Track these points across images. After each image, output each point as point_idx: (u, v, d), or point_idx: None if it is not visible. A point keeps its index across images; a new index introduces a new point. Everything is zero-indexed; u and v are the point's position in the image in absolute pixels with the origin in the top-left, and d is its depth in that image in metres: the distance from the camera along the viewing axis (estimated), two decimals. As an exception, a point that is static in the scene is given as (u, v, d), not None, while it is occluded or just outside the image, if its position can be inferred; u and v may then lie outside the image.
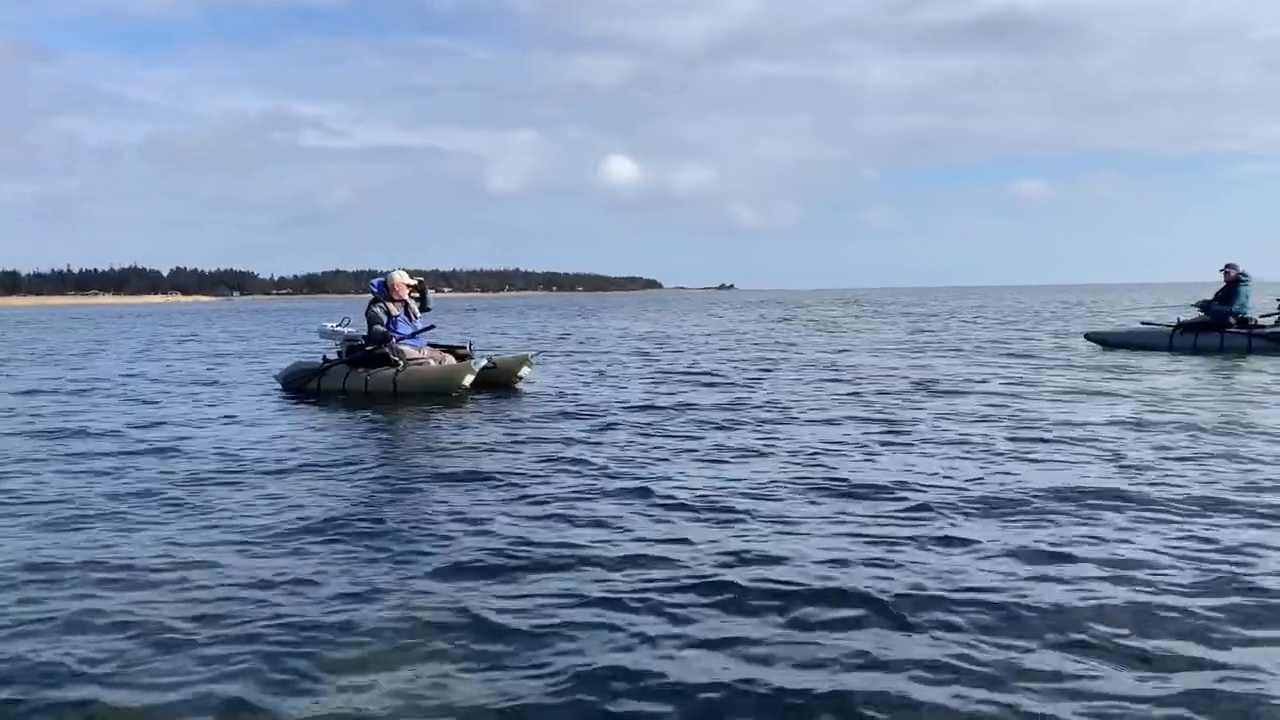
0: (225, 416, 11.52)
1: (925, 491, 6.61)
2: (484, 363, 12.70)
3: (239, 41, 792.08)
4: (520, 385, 13.27)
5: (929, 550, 5.24)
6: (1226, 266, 18.08)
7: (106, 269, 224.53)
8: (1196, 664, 3.76)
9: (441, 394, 12.21)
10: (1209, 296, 18.46)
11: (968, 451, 8.20)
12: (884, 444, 8.65)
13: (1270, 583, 4.61)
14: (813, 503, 6.40)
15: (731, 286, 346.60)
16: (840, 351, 20.80)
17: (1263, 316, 17.99)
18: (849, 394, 12.49)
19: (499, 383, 13.01)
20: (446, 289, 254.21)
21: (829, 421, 10.05)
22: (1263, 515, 5.85)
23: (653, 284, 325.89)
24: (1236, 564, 4.90)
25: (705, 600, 4.50)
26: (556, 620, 4.30)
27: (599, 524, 5.94)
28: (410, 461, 8.31)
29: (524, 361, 13.60)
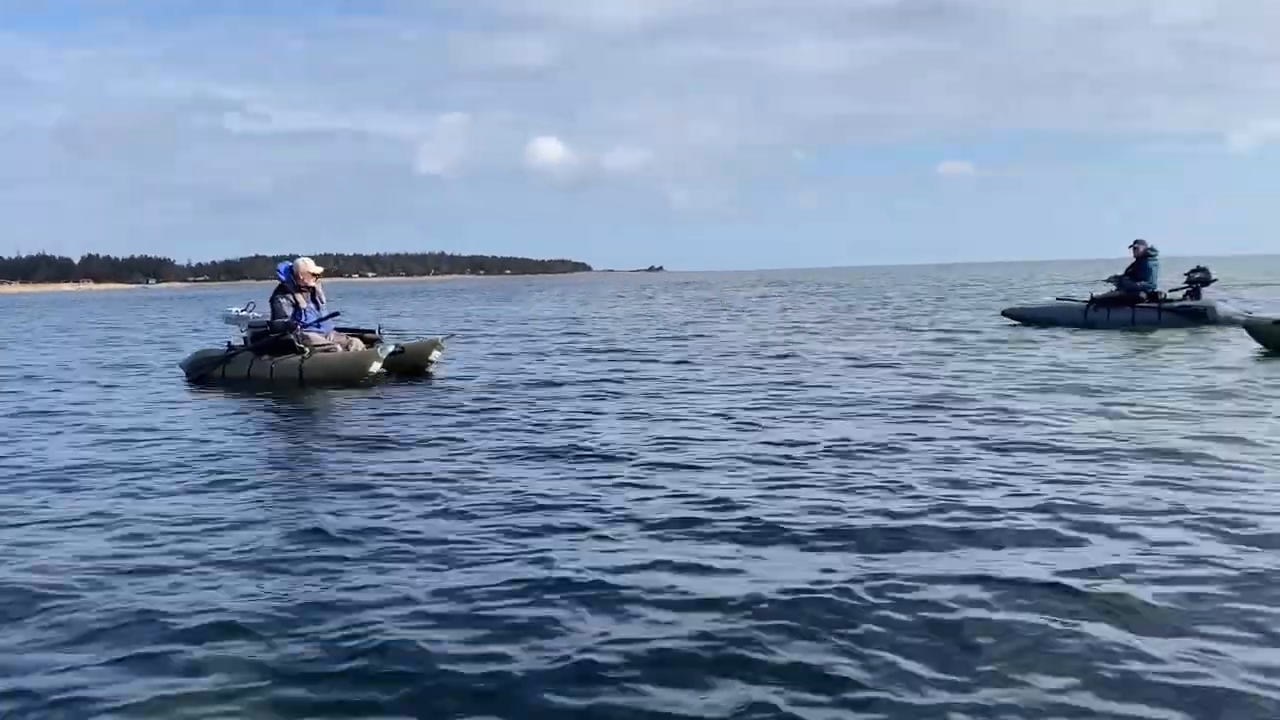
0: (124, 404, 11.23)
1: (817, 456, 6.58)
2: (391, 348, 12.47)
3: (154, 22, 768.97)
4: (431, 369, 13.07)
5: (806, 488, 5.14)
6: (1135, 242, 18.39)
7: (13, 256, 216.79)
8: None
9: (349, 381, 11.95)
10: (1121, 272, 18.84)
11: (873, 415, 8.36)
12: (775, 414, 8.78)
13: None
14: (723, 461, 6.40)
15: (661, 269, 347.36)
16: (755, 331, 20.84)
17: (1171, 290, 18.40)
18: (760, 369, 12.45)
19: (410, 367, 12.81)
20: (370, 274, 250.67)
21: (736, 391, 10.01)
22: (1149, 460, 6.06)
23: (582, 267, 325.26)
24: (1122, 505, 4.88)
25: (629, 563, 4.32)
26: (469, 607, 4.13)
27: (500, 506, 5.76)
28: (312, 449, 8.01)
29: (434, 346, 13.38)
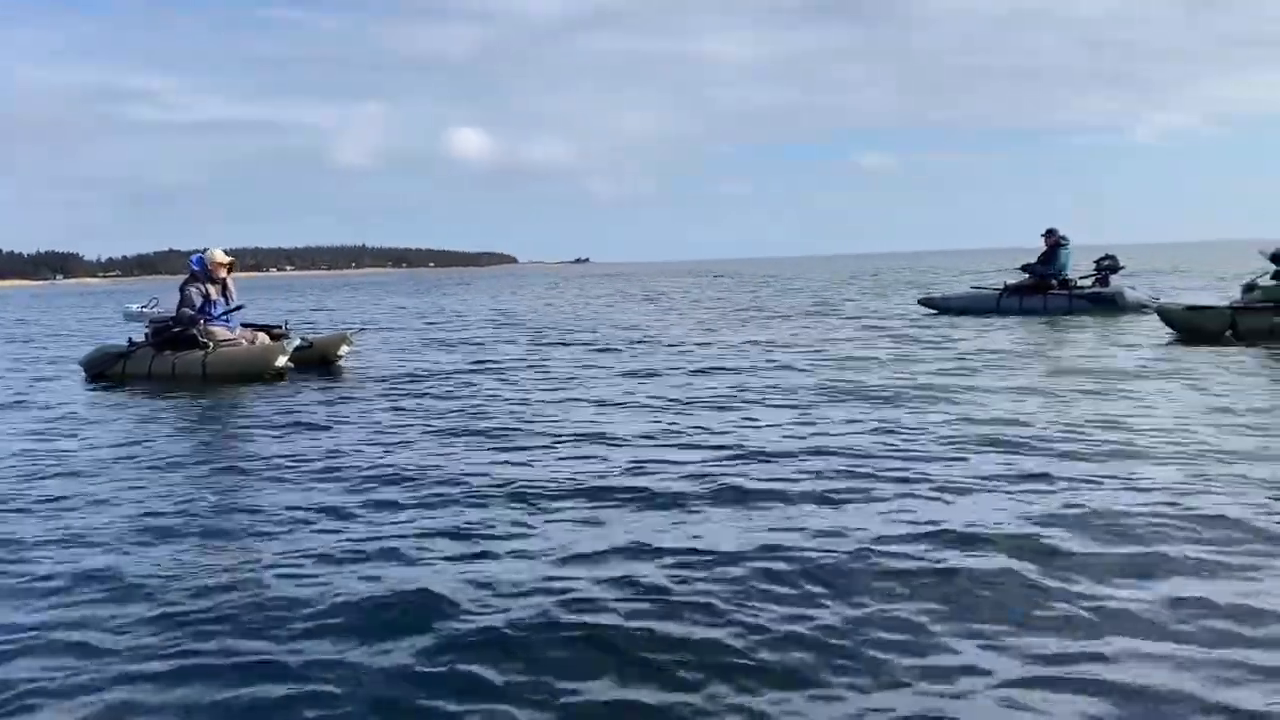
0: (16, 403, 10.89)
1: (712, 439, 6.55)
2: (298, 342, 12.20)
3: (60, 6, 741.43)
4: (340, 363, 12.85)
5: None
6: (1048, 231, 18.71)
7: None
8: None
9: (254, 376, 11.64)
10: (1034, 260, 19.14)
11: (781, 405, 8.36)
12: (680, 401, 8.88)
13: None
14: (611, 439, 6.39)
15: (587, 260, 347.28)
16: (673, 317, 20.85)
17: (1081, 278, 18.83)
18: (678, 353, 12.40)
19: (318, 361, 12.58)
20: (289, 267, 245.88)
21: (646, 377, 9.94)
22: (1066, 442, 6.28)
23: (507, 259, 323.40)
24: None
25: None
26: (378, 597, 4.02)
27: (403, 500, 5.59)
28: (212, 447, 7.73)
29: (343, 340, 13.15)
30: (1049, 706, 3.05)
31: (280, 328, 12.70)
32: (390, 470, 6.48)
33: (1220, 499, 5.13)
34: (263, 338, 12.33)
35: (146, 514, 5.59)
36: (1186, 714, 2.99)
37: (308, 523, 5.30)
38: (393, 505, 5.62)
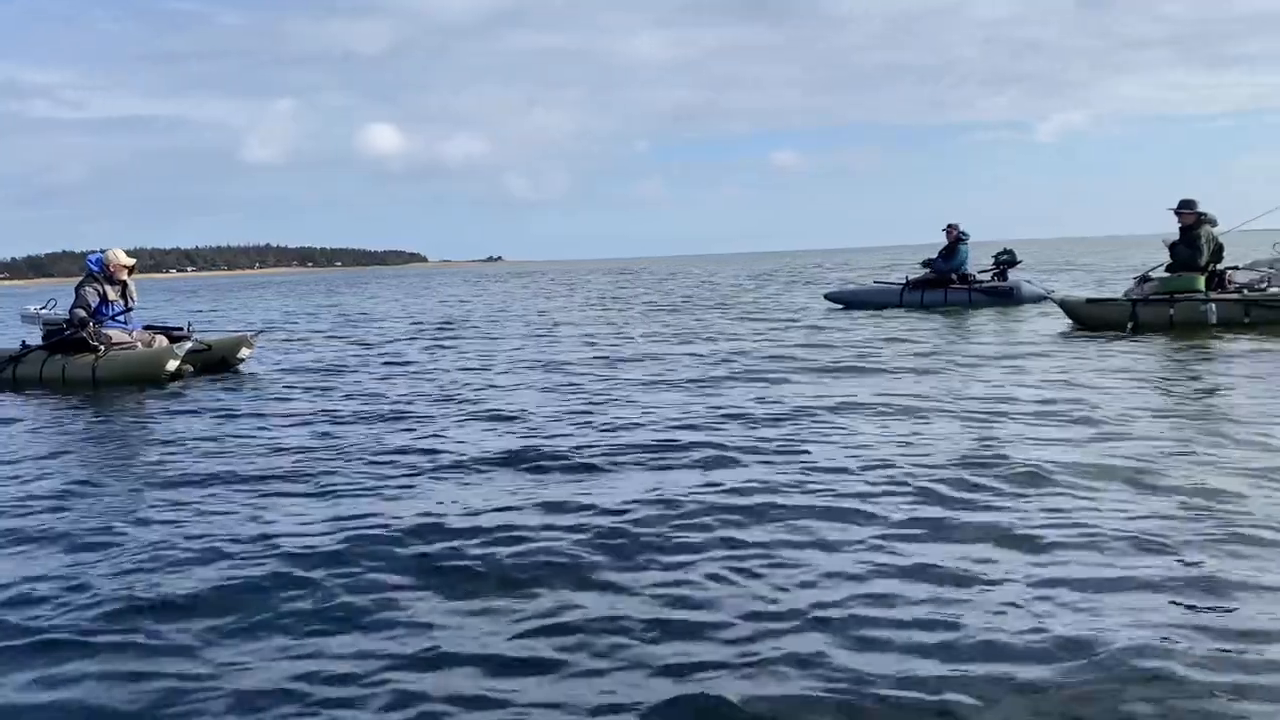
0: None
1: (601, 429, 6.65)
2: (189, 345, 11.79)
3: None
4: (241, 367, 12.52)
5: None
6: (949, 226, 19.12)
7: None
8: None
9: (145, 380, 11.26)
10: (935, 255, 19.58)
11: (676, 394, 8.57)
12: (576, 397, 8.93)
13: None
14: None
15: (500, 258, 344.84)
16: (577, 312, 20.86)
17: (980, 272, 19.36)
18: (585, 344, 12.42)
19: (218, 365, 12.24)
20: (190, 268, 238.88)
21: (546, 369, 9.98)
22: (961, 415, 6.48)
23: (417, 258, 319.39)
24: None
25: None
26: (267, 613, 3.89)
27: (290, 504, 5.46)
28: (98, 455, 7.42)
29: (243, 342, 12.76)
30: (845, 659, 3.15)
31: (181, 330, 12.30)
32: (266, 471, 6.44)
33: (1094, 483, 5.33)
34: (161, 340, 11.94)
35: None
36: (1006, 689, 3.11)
37: (177, 523, 5.22)
38: (255, 499, 5.64)
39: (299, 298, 45.62)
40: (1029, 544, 4.32)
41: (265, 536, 4.94)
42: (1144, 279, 13.41)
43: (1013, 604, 3.66)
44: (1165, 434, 6.49)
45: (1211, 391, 8.30)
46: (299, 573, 4.33)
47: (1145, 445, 6.12)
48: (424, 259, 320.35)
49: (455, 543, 4.68)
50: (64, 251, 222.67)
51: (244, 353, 12.61)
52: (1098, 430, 6.65)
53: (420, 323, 21.86)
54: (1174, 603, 3.64)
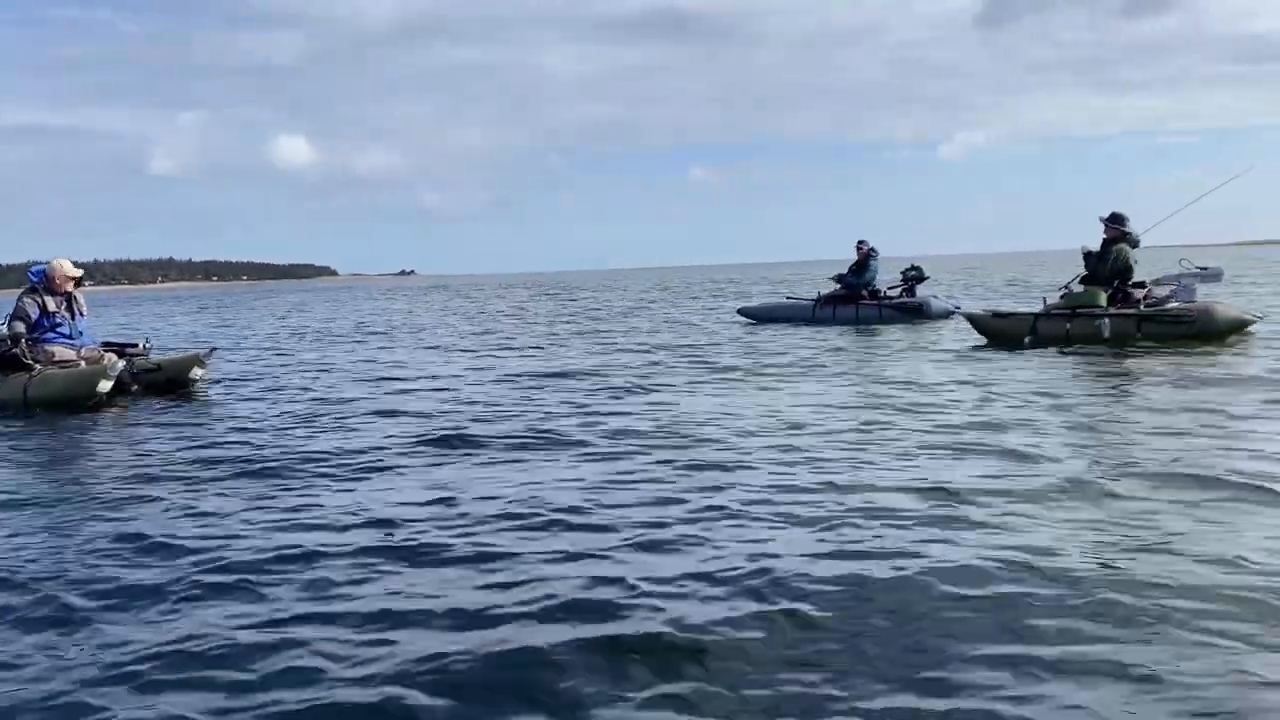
0: None
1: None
2: (121, 364, 11.05)
3: None
4: (195, 387, 11.80)
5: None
6: (859, 242, 19.60)
7: None
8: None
9: (78, 401, 10.56)
10: (845, 271, 20.03)
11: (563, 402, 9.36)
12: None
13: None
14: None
15: (413, 272, 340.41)
16: (482, 324, 21.04)
17: (890, 288, 19.99)
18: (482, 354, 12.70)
19: (166, 386, 11.55)
20: (89, 282, 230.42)
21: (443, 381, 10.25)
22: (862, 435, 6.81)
23: (327, 271, 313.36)
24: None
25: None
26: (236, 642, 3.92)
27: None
28: (27, 484, 7.30)
29: (195, 361, 11.99)
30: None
31: (137, 346, 11.70)
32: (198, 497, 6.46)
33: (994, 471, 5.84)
34: (111, 358, 11.18)
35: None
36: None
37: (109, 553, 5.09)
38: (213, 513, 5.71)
39: (188, 315, 44.52)
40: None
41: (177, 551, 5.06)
42: (1067, 290, 13.76)
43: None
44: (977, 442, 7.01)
45: (1051, 397, 8.95)
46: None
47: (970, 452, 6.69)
48: (334, 272, 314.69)
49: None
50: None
51: (196, 372, 11.83)
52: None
53: (309, 333, 21.74)
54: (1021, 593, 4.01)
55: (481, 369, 13.61)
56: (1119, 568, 4.24)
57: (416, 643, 3.74)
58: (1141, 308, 13.15)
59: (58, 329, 11.15)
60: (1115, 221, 13.45)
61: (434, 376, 12.90)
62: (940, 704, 3.12)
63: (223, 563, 4.80)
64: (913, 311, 19.20)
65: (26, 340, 10.93)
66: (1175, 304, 13.12)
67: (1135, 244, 13.44)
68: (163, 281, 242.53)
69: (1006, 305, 17.19)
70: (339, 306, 47.23)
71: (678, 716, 3.13)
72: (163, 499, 6.25)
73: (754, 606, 3.95)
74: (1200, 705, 3.05)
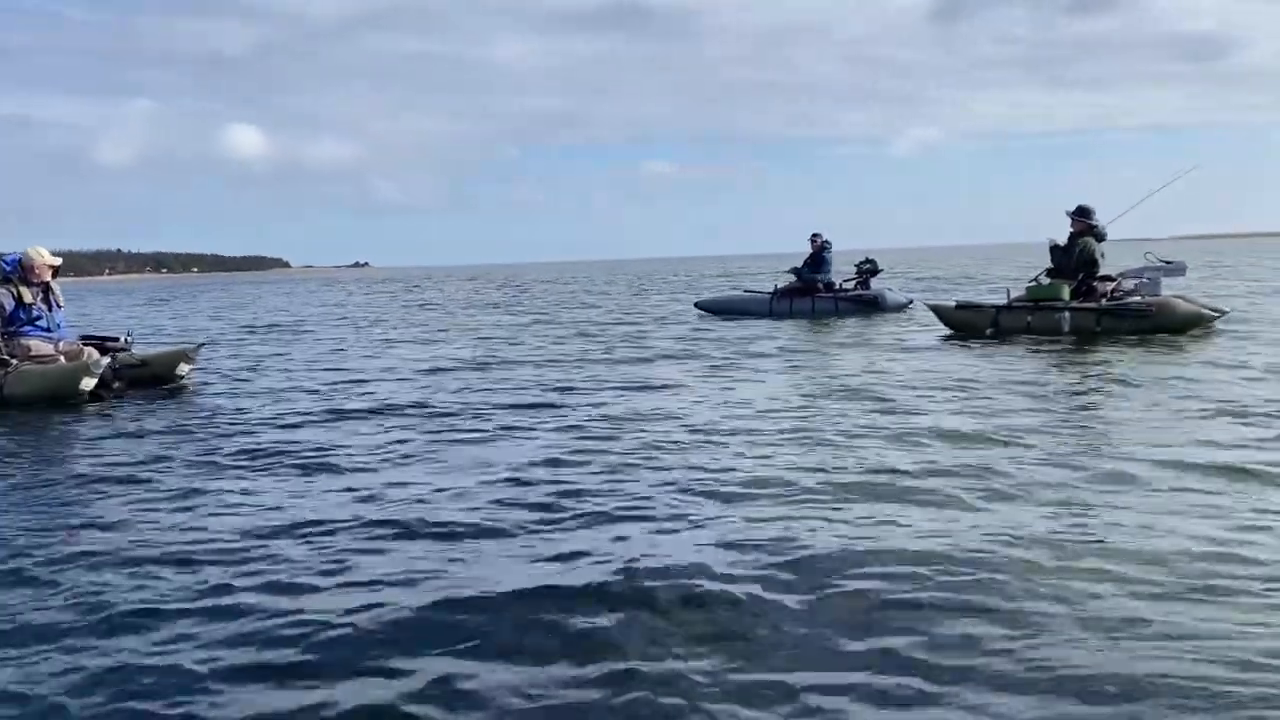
0: None
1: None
2: (105, 361, 10.65)
3: None
4: (183, 383, 11.56)
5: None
6: (813, 236, 19.93)
7: None
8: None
9: (58, 399, 10.22)
10: (800, 264, 20.29)
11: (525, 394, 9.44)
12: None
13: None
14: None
15: (366, 264, 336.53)
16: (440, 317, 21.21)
17: (844, 281, 20.42)
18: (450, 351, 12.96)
19: (152, 382, 11.24)
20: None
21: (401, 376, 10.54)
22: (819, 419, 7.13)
23: (279, 263, 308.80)
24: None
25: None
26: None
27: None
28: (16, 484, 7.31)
29: (182, 356, 11.74)
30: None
31: (119, 340, 11.39)
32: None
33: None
34: (92, 353, 10.80)
35: None
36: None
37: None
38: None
39: (141, 307, 43.92)
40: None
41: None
42: (1035, 282, 14.08)
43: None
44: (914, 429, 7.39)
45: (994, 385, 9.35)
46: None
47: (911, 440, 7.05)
48: (286, 264, 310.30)
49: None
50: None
51: (183, 368, 11.56)
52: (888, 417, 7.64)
53: (257, 327, 21.72)
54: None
55: (435, 360, 14.05)
56: (1067, 550, 4.51)
57: (405, 630, 3.92)
58: (1104, 301, 13.44)
59: (35, 322, 10.63)
60: (1081, 215, 13.65)
61: (410, 376, 12.48)
62: (883, 681, 3.30)
63: (213, 563, 4.85)
64: (869, 304, 19.60)
65: (2, 334, 10.50)
66: (1138, 298, 13.53)
67: (1102, 237, 13.66)
68: (110, 274, 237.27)
69: (958, 297, 17.55)
70: (294, 299, 46.72)
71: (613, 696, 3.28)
72: (149, 498, 6.32)
73: (685, 591, 4.12)
74: (1168, 687, 3.16)
